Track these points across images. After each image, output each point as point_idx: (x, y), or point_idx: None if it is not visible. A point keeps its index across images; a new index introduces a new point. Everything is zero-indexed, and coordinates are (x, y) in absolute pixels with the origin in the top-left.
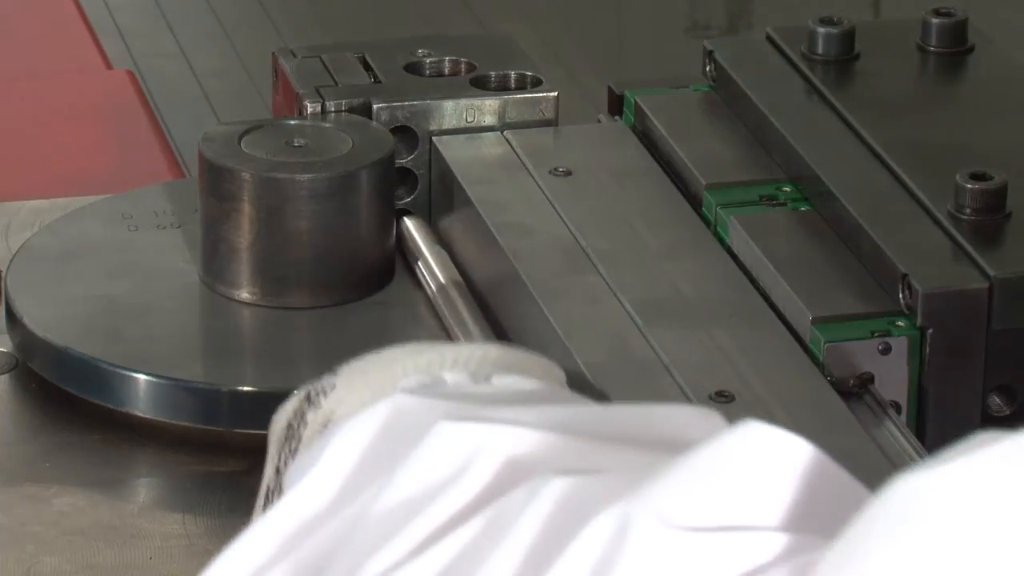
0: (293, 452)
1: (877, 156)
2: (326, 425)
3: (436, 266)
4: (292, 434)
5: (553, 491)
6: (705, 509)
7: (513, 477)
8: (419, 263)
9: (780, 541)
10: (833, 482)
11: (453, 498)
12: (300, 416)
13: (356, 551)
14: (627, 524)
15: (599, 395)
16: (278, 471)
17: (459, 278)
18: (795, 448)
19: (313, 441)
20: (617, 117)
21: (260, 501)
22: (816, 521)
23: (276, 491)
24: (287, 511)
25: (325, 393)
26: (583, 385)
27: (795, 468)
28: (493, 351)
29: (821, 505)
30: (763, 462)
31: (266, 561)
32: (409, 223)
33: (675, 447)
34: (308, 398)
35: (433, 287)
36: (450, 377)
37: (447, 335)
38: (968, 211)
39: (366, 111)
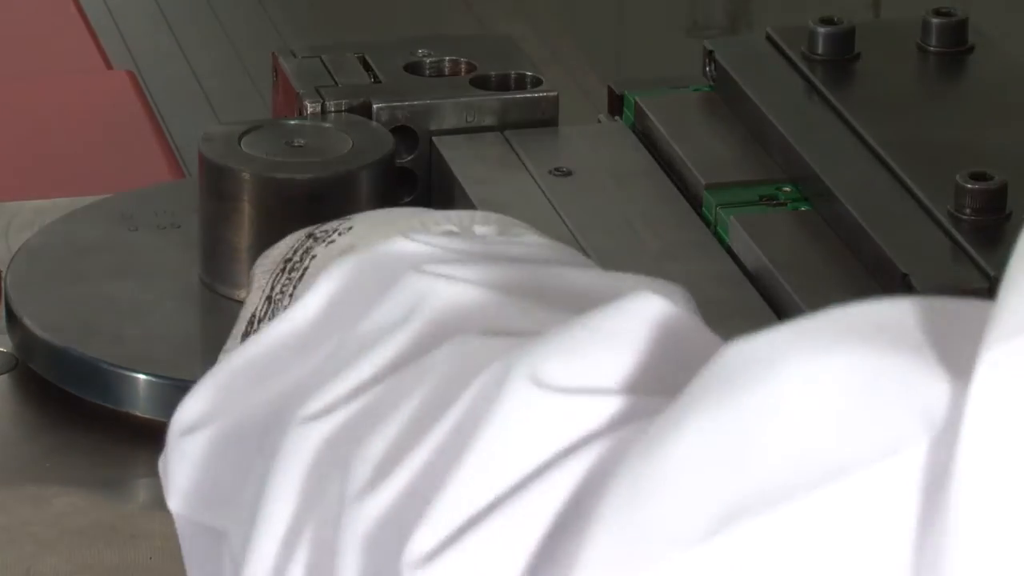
0: (295, 281)
1: (877, 156)
2: (345, 253)
3: None
4: (293, 267)
5: (463, 350)
6: (576, 371)
7: (442, 332)
8: None
9: (634, 404)
10: (704, 346)
11: (385, 350)
12: (304, 251)
13: (300, 389)
14: (503, 379)
15: None
16: (270, 299)
17: None
18: (667, 313)
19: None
20: (617, 117)
21: (240, 327)
22: (676, 383)
23: (267, 317)
24: (262, 338)
25: (339, 232)
26: None
27: (666, 333)
28: (525, 228)
29: (686, 368)
30: (638, 328)
31: (226, 393)
32: None
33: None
34: (313, 236)
35: None
36: (480, 229)
37: None
38: (968, 211)
39: (366, 111)
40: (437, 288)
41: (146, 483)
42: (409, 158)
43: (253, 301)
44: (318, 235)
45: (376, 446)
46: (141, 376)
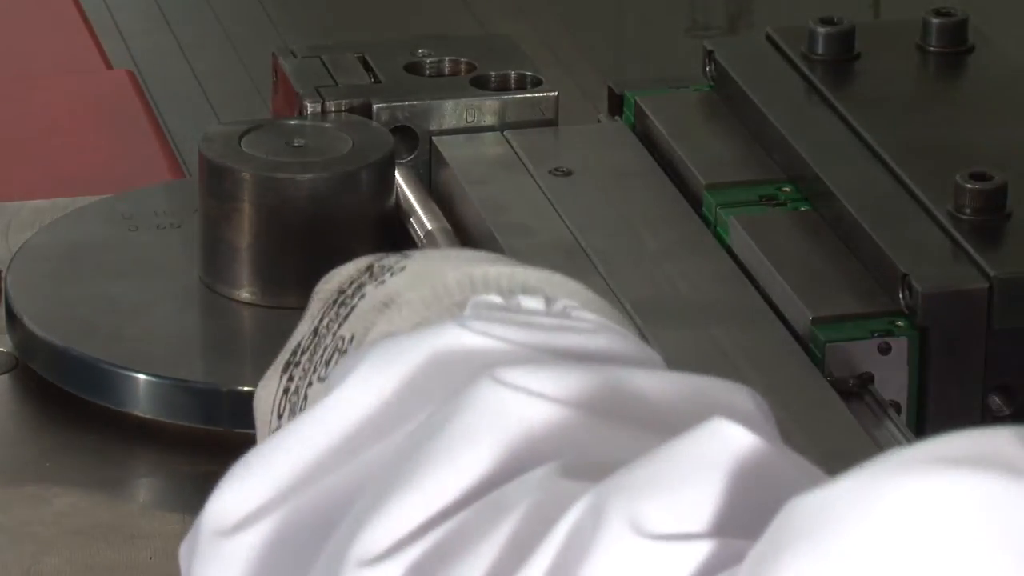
0: (341, 319)
1: (877, 156)
2: (388, 305)
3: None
4: (344, 300)
5: (545, 485)
6: (671, 514)
7: (519, 461)
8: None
9: (726, 547)
10: (791, 483)
11: (455, 476)
12: (358, 286)
13: (362, 510)
14: (599, 522)
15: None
16: (316, 332)
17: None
18: (748, 443)
19: (368, 319)
20: (617, 117)
21: (285, 356)
22: (764, 516)
23: (309, 351)
24: (310, 432)
25: (392, 271)
26: None
27: (749, 463)
28: (572, 283)
29: (773, 499)
30: (722, 461)
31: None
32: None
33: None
34: (370, 270)
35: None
36: (526, 301)
37: None
38: (968, 211)
39: (366, 111)
40: (511, 407)
41: (146, 483)
42: (409, 158)
43: (302, 330)
44: (375, 270)
45: None
46: (141, 376)
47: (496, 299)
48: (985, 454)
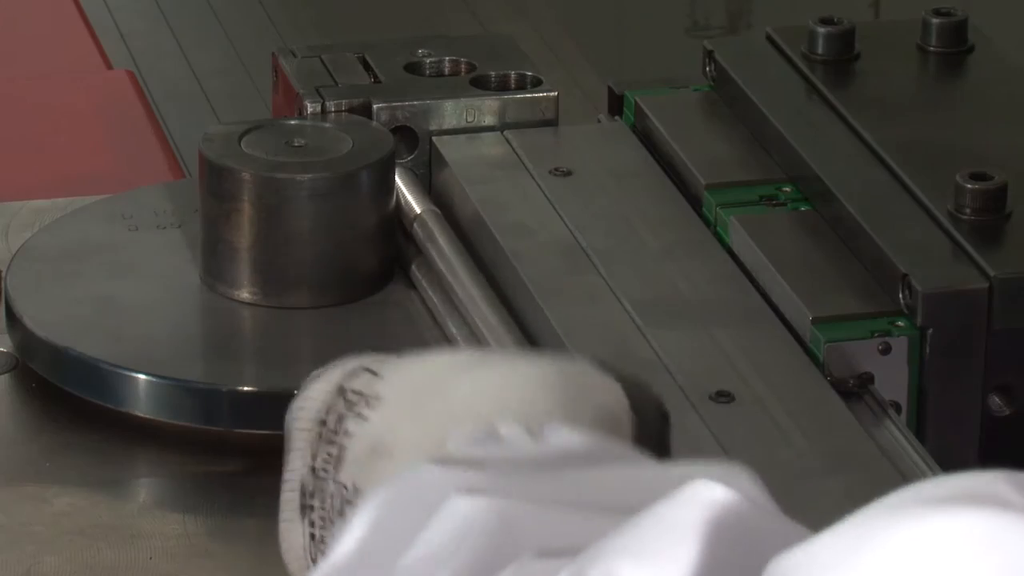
0: (335, 461)
1: (877, 156)
2: (376, 453)
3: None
4: (330, 437)
5: (522, 569)
6: (647, 572)
7: (499, 558)
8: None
9: None
10: (775, 541)
11: None
12: (338, 419)
13: None
14: None
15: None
16: (315, 472)
17: (474, 268)
18: (729, 499)
19: (365, 468)
20: (617, 117)
21: (295, 497)
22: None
23: (319, 495)
24: None
25: (368, 403)
26: None
27: (730, 520)
28: (554, 392)
29: (755, 556)
30: (703, 518)
31: None
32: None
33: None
34: (343, 396)
35: (448, 276)
36: (505, 430)
37: (445, 336)
38: (968, 211)
39: (366, 111)
40: (483, 510)
41: (146, 483)
42: (409, 158)
43: (296, 467)
44: (350, 397)
45: None
46: (141, 376)
47: (471, 437)
48: (978, 494)
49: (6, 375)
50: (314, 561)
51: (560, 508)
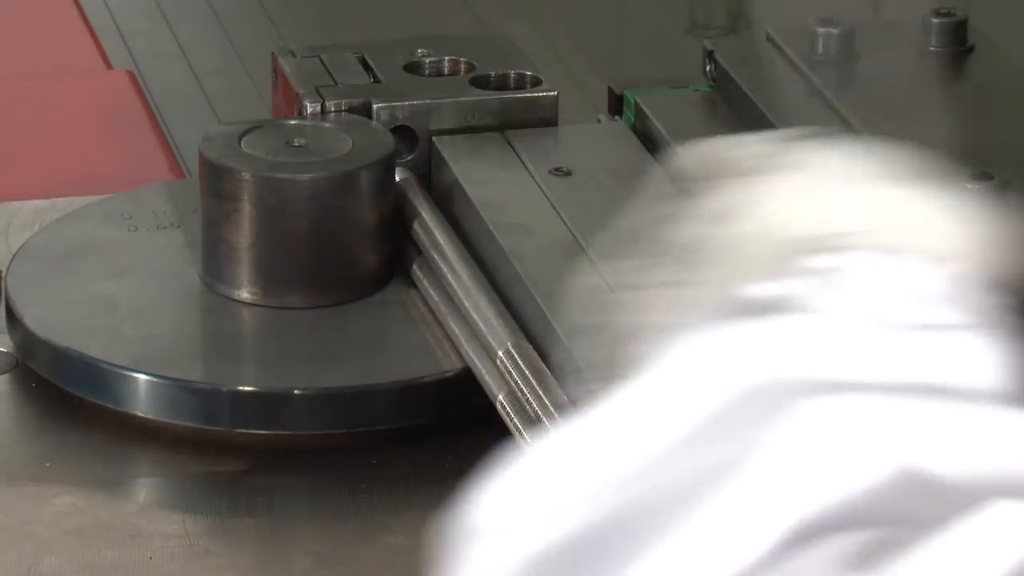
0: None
1: None
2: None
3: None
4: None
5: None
6: None
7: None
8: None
9: None
10: None
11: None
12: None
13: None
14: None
15: None
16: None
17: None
18: None
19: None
20: (617, 117)
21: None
22: None
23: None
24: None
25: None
26: None
27: None
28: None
29: None
30: None
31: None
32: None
33: None
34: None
35: (447, 272)
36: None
37: (446, 335)
38: None
39: (366, 111)
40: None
41: (146, 483)
42: (409, 158)
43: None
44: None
45: None
46: (141, 376)
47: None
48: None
49: (6, 375)
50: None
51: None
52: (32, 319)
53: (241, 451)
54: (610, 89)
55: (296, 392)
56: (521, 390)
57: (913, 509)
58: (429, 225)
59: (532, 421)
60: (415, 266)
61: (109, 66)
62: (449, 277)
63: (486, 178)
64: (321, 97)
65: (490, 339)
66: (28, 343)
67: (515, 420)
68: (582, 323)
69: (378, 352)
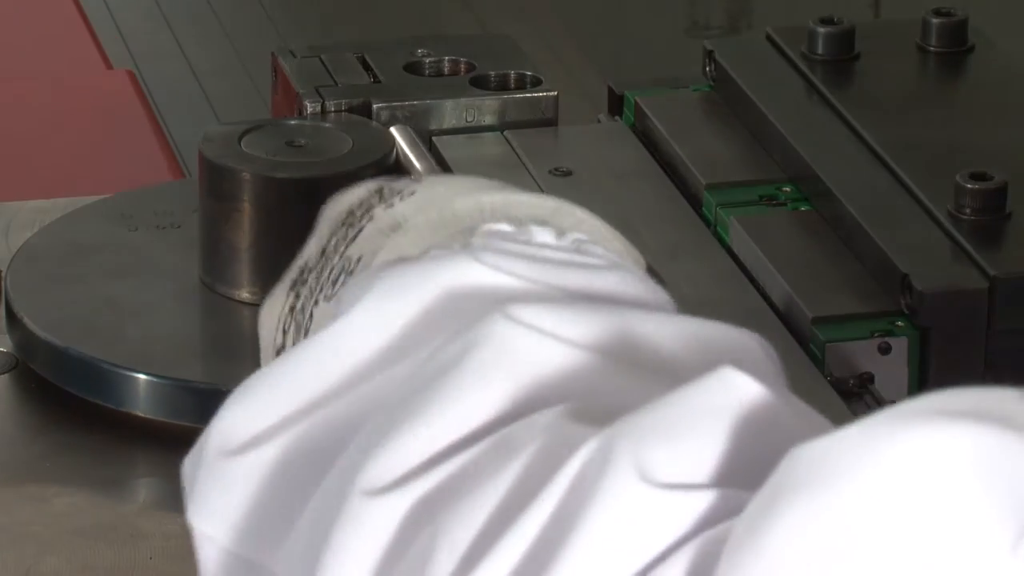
0: (348, 240)
1: (877, 156)
2: (395, 229)
3: None
4: (352, 221)
5: (553, 425)
6: (677, 463)
7: (529, 401)
8: None
9: (727, 498)
10: (797, 434)
11: (463, 411)
12: (366, 208)
13: (368, 439)
14: (604, 466)
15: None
16: (324, 252)
17: None
18: (762, 400)
19: (376, 241)
20: (617, 117)
21: (292, 274)
22: (766, 468)
23: (316, 271)
24: (317, 356)
25: (401, 196)
26: None
27: (756, 413)
28: (580, 212)
29: (776, 451)
30: (730, 409)
31: (287, 413)
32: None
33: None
34: (380, 193)
35: None
36: (538, 233)
37: None
38: (968, 211)
39: (366, 111)
40: (523, 345)
41: (146, 483)
42: None
43: (310, 250)
44: (384, 192)
45: (461, 533)
46: (141, 376)
47: (506, 228)
48: (985, 409)
49: (6, 375)
50: (284, 332)
51: (597, 360)
52: (32, 319)
53: None
54: (610, 89)
55: None
56: None
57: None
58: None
59: None
60: None
61: (109, 66)
62: None
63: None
64: (321, 97)
65: None
66: (28, 343)
67: None
68: None
69: None
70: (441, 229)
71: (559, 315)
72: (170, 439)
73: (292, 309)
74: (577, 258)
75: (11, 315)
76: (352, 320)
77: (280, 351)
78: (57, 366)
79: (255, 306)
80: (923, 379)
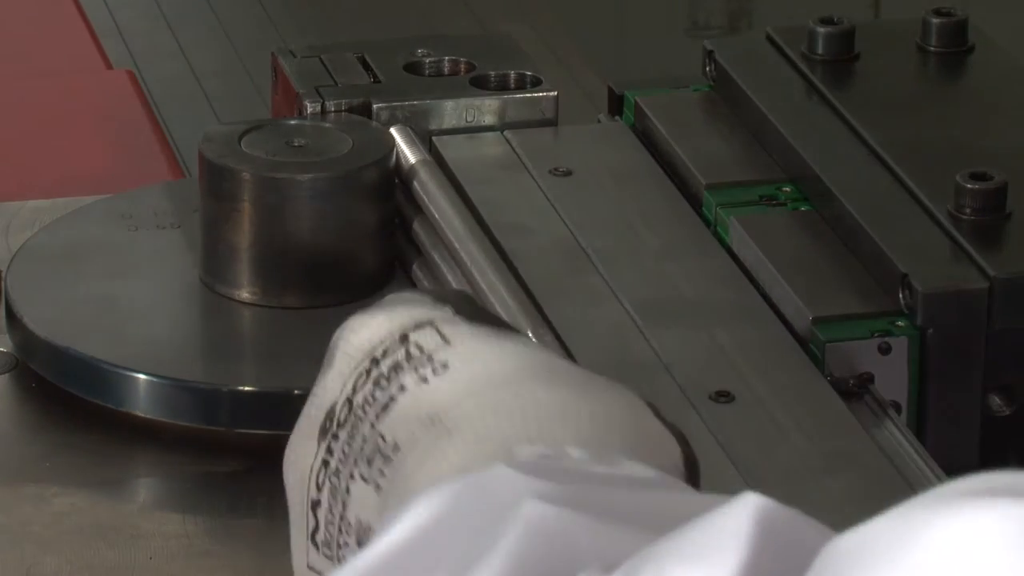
0: (379, 408)
1: (877, 156)
2: (434, 422)
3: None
4: (379, 376)
5: None
6: None
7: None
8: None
9: None
10: (816, 539)
11: None
12: (394, 366)
13: None
14: None
15: None
16: (351, 405)
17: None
18: (785, 518)
19: (412, 431)
20: (617, 117)
21: (319, 417)
22: None
23: (347, 428)
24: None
25: (433, 368)
26: None
27: (783, 538)
28: (623, 429)
29: (800, 565)
30: (750, 527)
31: None
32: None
33: None
34: (405, 346)
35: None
36: (574, 452)
37: None
38: (968, 211)
39: (366, 111)
40: (556, 520)
41: (146, 483)
42: None
43: (332, 390)
44: (412, 350)
45: None
46: (141, 376)
47: (544, 450)
48: (1021, 487)
49: (6, 375)
50: (319, 487)
51: (631, 527)
52: (32, 319)
53: (241, 451)
54: (610, 89)
55: (296, 392)
56: None
57: None
58: (423, 178)
59: None
60: (415, 266)
61: (109, 66)
62: (450, 278)
63: (486, 178)
64: (321, 97)
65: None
66: (28, 343)
67: None
68: None
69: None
70: (484, 446)
71: (583, 491)
72: (170, 439)
73: (326, 465)
74: (614, 470)
75: (11, 315)
76: (390, 534)
77: (315, 506)
78: (57, 366)
79: (255, 306)
80: (923, 379)
